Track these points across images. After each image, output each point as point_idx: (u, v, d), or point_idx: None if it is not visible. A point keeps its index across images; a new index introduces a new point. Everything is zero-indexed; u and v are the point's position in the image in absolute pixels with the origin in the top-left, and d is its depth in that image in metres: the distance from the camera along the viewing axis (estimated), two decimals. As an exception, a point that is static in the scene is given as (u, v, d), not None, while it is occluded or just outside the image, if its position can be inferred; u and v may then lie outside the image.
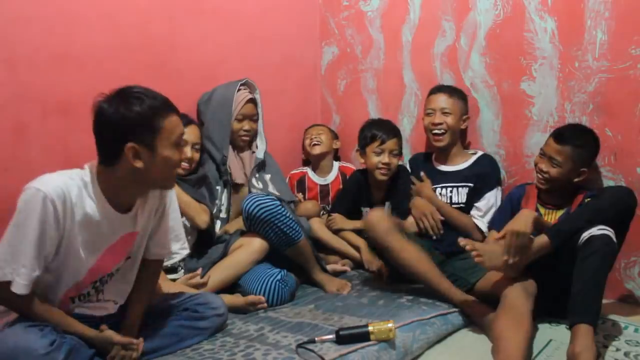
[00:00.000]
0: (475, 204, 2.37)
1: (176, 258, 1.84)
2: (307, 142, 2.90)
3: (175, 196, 1.70)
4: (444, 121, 2.40)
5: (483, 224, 2.33)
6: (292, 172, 2.94)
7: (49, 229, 1.38)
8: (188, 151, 2.15)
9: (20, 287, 1.37)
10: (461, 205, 2.39)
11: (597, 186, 2.20)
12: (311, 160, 2.94)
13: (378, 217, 2.15)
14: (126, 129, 1.38)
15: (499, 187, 2.39)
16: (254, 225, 2.16)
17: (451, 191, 2.41)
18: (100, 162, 1.46)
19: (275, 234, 2.15)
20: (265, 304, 2.02)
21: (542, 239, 1.86)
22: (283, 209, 2.17)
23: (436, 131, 2.41)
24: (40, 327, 1.39)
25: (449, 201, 2.40)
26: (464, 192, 2.38)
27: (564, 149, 2.04)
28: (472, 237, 2.22)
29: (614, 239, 1.76)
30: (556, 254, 1.86)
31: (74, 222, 1.42)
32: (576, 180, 2.08)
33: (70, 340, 1.42)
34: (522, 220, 1.87)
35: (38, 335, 1.36)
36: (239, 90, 2.40)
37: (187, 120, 2.09)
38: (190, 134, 2.17)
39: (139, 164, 1.40)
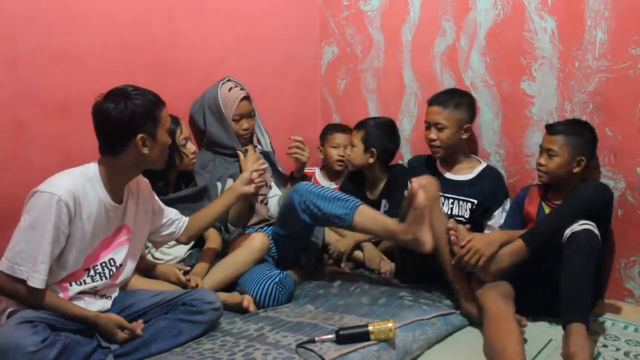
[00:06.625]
0: (488, 223, 2.33)
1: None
2: (334, 151, 2.73)
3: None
4: (437, 137, 2.30)
5: None
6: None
7: (62, 228, 1.53)
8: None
9: (39, 281, 1.50)
10: (462, 219, 2.32)
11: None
12: (326, 164, 2.89)
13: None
14: (136, 122, 1.58)
15: (507, 199, 2.35)
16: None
17: (452, 203, 2.35)
18: (104, 154, 1.63)
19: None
20: (254, 307, 1.99)
21: (517, 244, 1.87)
22: None
23: (432, 145, 2.35)
24: (34, 324, 1.43)
25: (449, 212, 2.34)
26: (465, 206, 2.32)
27: (557, 137, 2.07)
28: None
29: (597, 233, 1.76)
30: (544, 253, 1.86)
31: (82, 217, 1.58)
32: (575, 170, 2.08)
33: (65, 338, 1.47)
34: (488, 240, 1.91)
35: (30, 332, 1.40)
36: (230, 89, 2.37)
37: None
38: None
39: (145, 151, 1.61)
